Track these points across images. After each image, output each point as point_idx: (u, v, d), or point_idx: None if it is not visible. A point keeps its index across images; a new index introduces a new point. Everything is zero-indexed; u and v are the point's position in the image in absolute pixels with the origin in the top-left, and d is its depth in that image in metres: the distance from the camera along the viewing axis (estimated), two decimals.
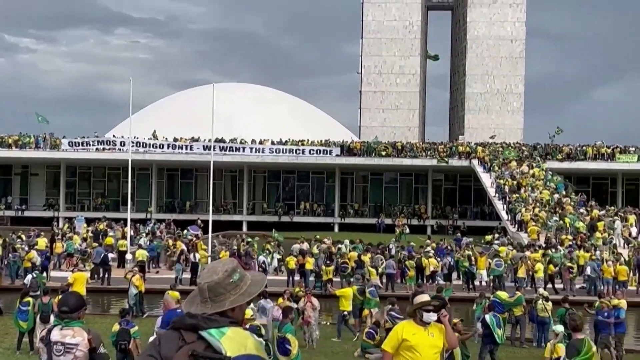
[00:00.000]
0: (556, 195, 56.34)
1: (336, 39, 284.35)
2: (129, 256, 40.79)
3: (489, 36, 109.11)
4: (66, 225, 56.91)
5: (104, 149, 71.61)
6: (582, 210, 52.62)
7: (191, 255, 37.93)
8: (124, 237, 46.39)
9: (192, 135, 72.93)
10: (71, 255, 41.37)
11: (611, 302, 23.07)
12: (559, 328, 15.59)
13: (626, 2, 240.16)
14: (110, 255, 38.22)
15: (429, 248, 40.25)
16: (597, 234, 45.27)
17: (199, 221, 57.44)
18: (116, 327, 16.18)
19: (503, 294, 24.09)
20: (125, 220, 50.26)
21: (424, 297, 8.92)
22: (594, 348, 12.44)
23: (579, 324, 12.80)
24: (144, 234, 49.69)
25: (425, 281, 36.23)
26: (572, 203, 53.88)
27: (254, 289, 4.22)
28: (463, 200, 74.55)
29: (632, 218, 50.16)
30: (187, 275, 36.14)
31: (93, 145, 71.82)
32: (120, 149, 69.44)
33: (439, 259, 37.92)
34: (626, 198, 70.50)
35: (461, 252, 40.31)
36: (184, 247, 40.48)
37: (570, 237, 44.88)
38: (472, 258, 37.34)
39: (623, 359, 21.01)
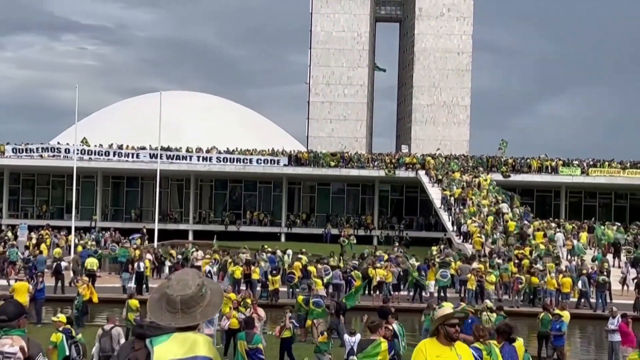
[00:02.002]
0: (504, 206, 56.94)
1: (285, 49, 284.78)
2: (64, 263, 39.87)
3: (436, 49, 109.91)
4: (9, 232, 56.07)
5: (48, 155, 70.64)
6: (526, 222, 53.24)
7: (136, 265, 37.61)
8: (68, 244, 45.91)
9: (139, 144, 72.33)
10: (14, 263, 40.77)
11: (554, 313, 23.41)
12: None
13: (569, 20, 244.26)
14: (63, 264, 37.80)
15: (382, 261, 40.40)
16: (542, 246, 45.80)
17: (144, 229, 57.06)
18: (58, 336, 16.04)
19: (449, 305, 24.22)
20: (69, 228, 49.67)
21: (447, 310, 7.73)
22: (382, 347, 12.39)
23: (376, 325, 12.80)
24: (88, 242, 49.21)
25: (372, 292, 36.44)
26: (510, 214, 54.56)
27: (217, 300, 4.42)
28: (409, 211, 74.95)
29: (584, 235, 50.56)
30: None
31: (37, 152, 70.83)
32: (65, 156, 68.59)
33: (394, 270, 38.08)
34: (569, 210, 71.53)
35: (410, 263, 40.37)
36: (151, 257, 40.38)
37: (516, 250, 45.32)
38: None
39: None
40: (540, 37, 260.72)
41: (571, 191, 73.23)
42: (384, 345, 12.34)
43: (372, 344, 12.30)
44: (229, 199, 76.37)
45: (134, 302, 23.93)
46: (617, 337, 22.36)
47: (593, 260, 43.62)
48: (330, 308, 25.35)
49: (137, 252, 42.03)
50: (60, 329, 16.54)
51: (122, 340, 16.13)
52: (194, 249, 45.70)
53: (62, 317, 17.19)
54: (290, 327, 21.12)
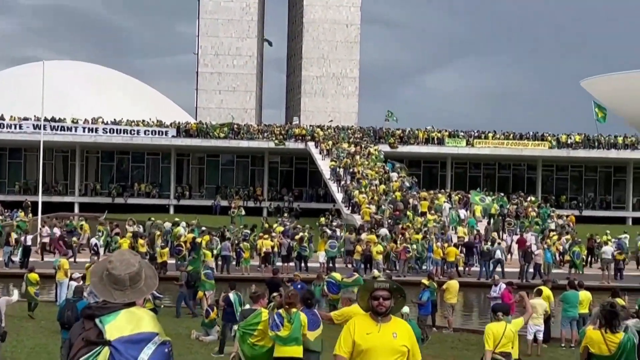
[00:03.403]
0: (394, 175, 57.73)
1: (173, 19, 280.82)
2: None
3: (325, 20, 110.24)
4: None
5: None
6: (414, 192, 54.09)
7: (22, 238, 36.71)
8: None
9: (23, 114, 70.17)
10: None
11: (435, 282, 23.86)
12: (405, 309, 15.97)
13: None
14: None
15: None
16: (429, 216, 46.66)
17: (28, 202, 55.70)
18: None
19: (337, 275, 24.50)
20: None
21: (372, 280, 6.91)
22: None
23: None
24: None
25: (261, 263, 36.56)
26: (399, 183, 55.45)
27: (151, 272, 4.69)
28: (299, 182, 75.19)
29: (478, 209, 51.32)
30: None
31: None
32: None
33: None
34: (455, 181, 73.01)
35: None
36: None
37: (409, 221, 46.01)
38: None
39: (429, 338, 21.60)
40: (428, 11, 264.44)
41: (457, 162, 74.68)
42: (265, 314, 12.46)
43: (253, 314, 12.40)
44: (116, 171, 75.10)
45: (33, 276, 23.94)
46: None
47: (464, 226, 44.87)
48: (181, 279, 25.43)
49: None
50: None
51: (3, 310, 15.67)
52: (82, 221, 44.85)
53: None
54: None
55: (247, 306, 15.36)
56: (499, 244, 38.80)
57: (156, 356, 4.38)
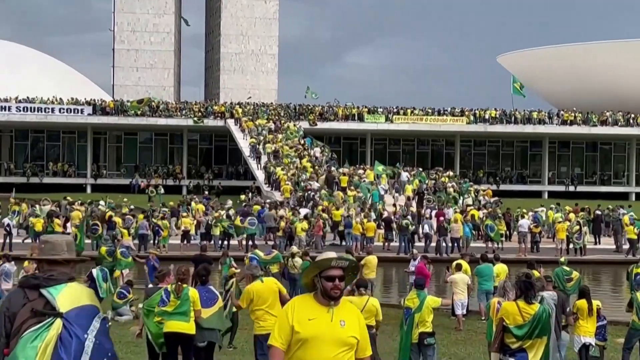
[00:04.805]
0: (317, 150, 57.83)
1: None
2: None
3: None
4: None
5: None
6: (335, 169, 54.07)
7: None
8: None
9: None
10: None
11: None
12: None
13: None
14: None
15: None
16: (350, 192, 46.65)
17: None
18: None
19: (260, 252, 24.33)
20: None
21: (324, 255, 5.73)
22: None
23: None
24: None
25: (181, 241, 36.17)
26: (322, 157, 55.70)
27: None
28: (218, 160, 74.70)
29: (409, 188, 51.24)
30: None
31: None
32: None
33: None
34: (375, 157, 73.28)
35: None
36: None
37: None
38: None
39: None
40: None
41: (376, 138, 75.02)
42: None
43: (157, 292, 12.19)
44: (30, 150, 73.51)
45: None
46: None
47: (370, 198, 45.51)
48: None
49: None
50: None
51: None
52: None
53: None
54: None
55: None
56: (429, 218, 39.18)
57: (102, 329, 4.51)
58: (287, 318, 5.51)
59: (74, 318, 4.41)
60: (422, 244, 36.92)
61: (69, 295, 4.48)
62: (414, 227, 37.85)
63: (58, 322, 4.37)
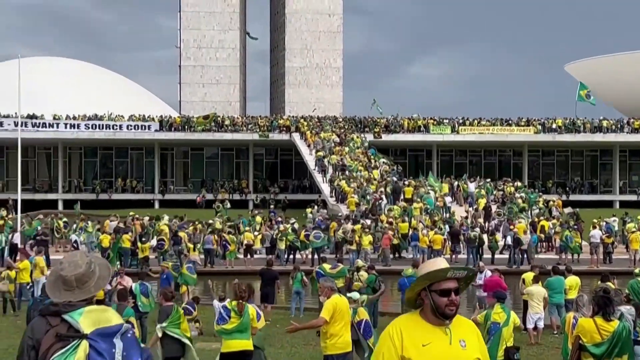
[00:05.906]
0: (382, 161, 57.55)
1: (153, 12, 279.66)
2: None
3: (307, 10, 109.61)
4: None
5: None
6: (397, 180, 53.72)
7: (10, 236, 36.14)
8: None
9: (3, 112, 69.31)
10: None
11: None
12: (355, 295, 15.45)
13: None
14: None
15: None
16: (415, 204, 46.19)
17: (10, 201, 55.13)
18: None
19: (327, 266, 24.03)
20: None
21: (434, 265, 4.74)
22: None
23: None
24: None
25: (244, 255, 36.07)
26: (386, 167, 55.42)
27: (105, 272, 4.80)
28: (284, 174, 74.73)
29: (482, 202, 50.34)
30: None
31: None
32: None
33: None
34: (441, 168, 72.62)
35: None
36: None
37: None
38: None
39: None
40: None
41: (442, 150, 74.33)
42: (178, 308, 12.41)
43: (173, 311, 12.19)
44: (99, 167, 74.46)
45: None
46: (483, 293, 22.50)
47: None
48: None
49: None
50: None
51: None
52: (59, 219, 44.10)
53: None
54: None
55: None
56: (512, 230, 38.51)
57: (127, 343, 4.51)
58: (394, 347, 4.55)
59: (98, 337, 4.47)
60: (506, 255, 36.69)
61: (90, 317, 4.51)
62: (481, 239, 37.26)
63: (84, 343, 4.44)
